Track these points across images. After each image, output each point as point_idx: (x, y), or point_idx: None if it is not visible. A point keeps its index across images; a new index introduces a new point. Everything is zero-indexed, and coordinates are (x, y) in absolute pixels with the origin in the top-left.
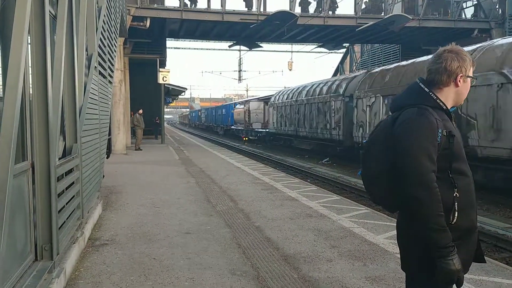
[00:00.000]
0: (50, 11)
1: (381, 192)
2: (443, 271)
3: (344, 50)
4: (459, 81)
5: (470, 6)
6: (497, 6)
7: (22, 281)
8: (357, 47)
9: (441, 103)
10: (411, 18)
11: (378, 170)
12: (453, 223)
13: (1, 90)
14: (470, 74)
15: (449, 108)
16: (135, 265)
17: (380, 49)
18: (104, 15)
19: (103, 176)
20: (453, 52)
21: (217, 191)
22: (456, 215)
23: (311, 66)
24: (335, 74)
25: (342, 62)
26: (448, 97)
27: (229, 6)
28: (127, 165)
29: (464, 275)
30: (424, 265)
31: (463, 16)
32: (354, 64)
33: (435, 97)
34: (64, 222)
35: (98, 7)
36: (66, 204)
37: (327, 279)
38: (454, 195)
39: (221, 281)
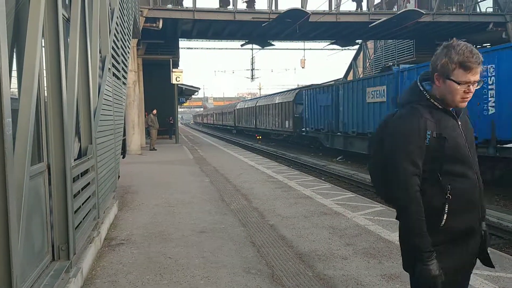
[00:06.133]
0: (63, 14)
1: (377, 183)
2: (420, 274)
3: (357, 46)
4: (436, 79)
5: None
6: None
7: (40, 281)
8: (370, 44)
9: (435, 102)
10: (424, 13)
11: (375, 162)
12: (442, 225)
13: (17, 92)
14: (455, 78)
15: (446, 108)
16: (151, 264)
17: (393, 44)
18: (117, 17)
19: (119, 176)
20: (446, 46)
21: (231, 190)
22: (445, 217)
23: (324, 63)
24: (348, 71)
25: (355, 58)
26: (440, 95)
27: (240, 6)
28: (142, 165)
29: (481, 272)
30: (408, 264)
31: (478, 9)
32: (367, 60)
33: (428, 96)
34: (80, 222)
35: (111, 9)
36: (82, 204)
37: (342, 277)
38: (446, 197)
39: (236, 280)
